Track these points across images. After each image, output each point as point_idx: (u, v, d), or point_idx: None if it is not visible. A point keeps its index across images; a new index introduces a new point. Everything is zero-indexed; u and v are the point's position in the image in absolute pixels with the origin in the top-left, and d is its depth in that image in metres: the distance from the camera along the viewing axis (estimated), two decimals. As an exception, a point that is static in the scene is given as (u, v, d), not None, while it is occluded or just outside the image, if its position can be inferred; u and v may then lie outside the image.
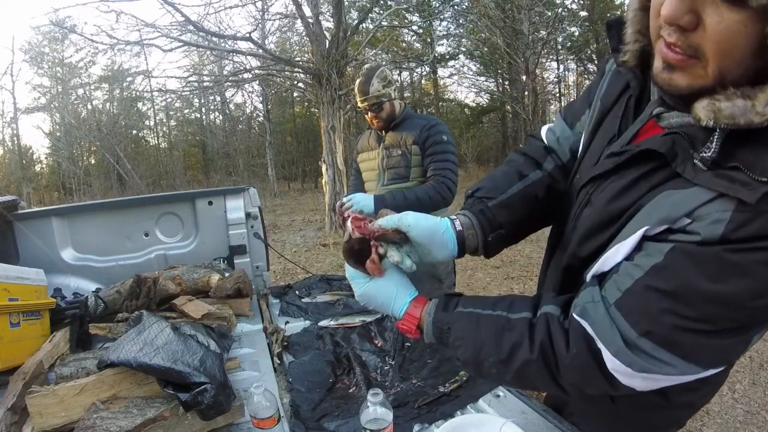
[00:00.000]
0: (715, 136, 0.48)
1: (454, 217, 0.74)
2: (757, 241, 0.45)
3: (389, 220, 0.68)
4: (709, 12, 0.44)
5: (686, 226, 0.50)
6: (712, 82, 0.47)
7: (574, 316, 0.58)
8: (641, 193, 0.56)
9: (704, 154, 0.49)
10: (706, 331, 0.50)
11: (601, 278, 0.59)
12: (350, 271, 0.73)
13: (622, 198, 0.58)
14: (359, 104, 1.95)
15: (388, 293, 0.70)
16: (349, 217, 0.70)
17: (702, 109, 0.48)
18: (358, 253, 0.68)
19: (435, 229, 0.69)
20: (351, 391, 1.08)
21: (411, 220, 0.68)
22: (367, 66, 1.99)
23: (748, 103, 0.45)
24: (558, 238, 0.77)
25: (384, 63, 10.98)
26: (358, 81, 1.95)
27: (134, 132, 19.71)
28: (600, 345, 0.55)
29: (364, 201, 1.71)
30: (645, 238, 0.54)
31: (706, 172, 0.48)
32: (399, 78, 18.70)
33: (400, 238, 0.67)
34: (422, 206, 1.77)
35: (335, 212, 7.64)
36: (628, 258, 0.56)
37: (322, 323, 1.44)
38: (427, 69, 17.47)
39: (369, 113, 1.95)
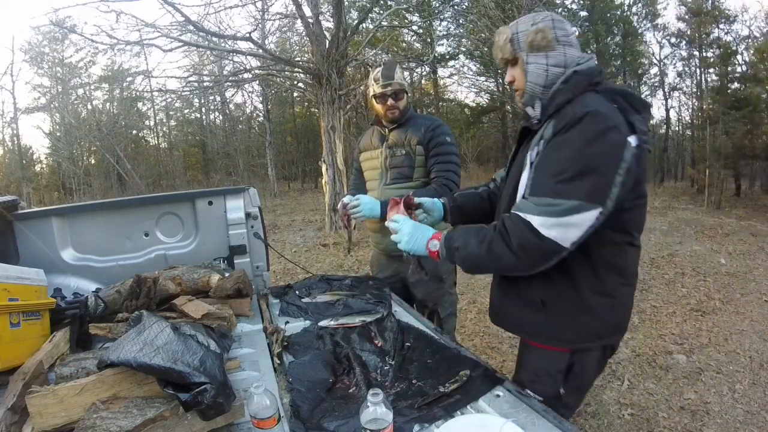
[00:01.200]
0: (537, 117, 1.12)
1: (443, 199, 1.42)
2: (563, 130, 0.97)
3: (417, 199, 1.36)
4: (511, 73, 1.14)
5: (542, 142, 1.03)
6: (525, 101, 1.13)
7: (512, 211, 1.02)
8: (525, 149, 1.13)
9: (538, 114, 1.11)
10: (569, 178, 0.93)
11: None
12: (398, 217, 1.23)
13: (523, 155, 1.12)
14: (378, 90, 1.88)
15: (422, 229, 1.18)
16: (351, 217, 1.59)
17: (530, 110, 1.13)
18: (406, 211, 1.28)
19: (434, 200, 1.40)
20: (351, 391, 1.08)
21: (424, 199, 1.39)
22: (386, 59, 1.99)
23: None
24: (497, 214, 1.26)
25: (384, 63, 10.97)
26: (378, 69, 1.91)
27: (134, 132, 19.70)
28: (526, 216, 0.96)
29: (370, 205, 1.72)
30: (530, 164, 1.05)
31: (541, 125, 1.09)
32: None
33: (419, 206, 1.38)
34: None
35: (335, 212, 7.64)
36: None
37: (322, 323, 1.44)
38: (427, 69, 17.45)
39: (388, 101, 1.89)
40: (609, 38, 14.83)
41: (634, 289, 1.17)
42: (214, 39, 7.78)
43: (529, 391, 1.03)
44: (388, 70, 1.88)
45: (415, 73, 19.01)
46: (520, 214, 0.97)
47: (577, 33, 1.13)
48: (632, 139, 0.94)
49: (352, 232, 1.85)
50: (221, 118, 21.33)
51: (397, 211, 1.25)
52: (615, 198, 0.93)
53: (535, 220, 0.94)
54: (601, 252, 1.03)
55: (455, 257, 1.08)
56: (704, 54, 12.76)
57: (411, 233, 1.16)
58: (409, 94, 1.98)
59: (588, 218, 0.92)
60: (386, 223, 1.25)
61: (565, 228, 0.92)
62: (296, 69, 7.94)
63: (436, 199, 1.39)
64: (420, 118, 1.96)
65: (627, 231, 1.05)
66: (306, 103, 19.96)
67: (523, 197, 1.02)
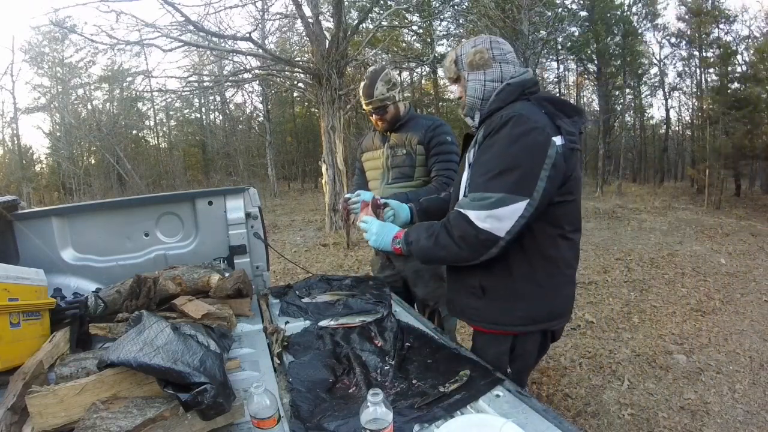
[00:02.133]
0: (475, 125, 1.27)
1: (410, 204, 1.56)
2: (492, 133, 1.10)
3: (386, 201, 1.53)
4: (456, 89, 1.30)
5: (476, 146, 1.16)
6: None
7: (455, 208, 1.15)
8: (466, 154, 1.25)
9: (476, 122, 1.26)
10: (496, 174, 1.06)
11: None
12: (367, 218, 1.36)
13: (463, 163, 1.27)
14: (364, 107, 1.96)
15: (388, 228, 1.32)
16: (351, 212, 1.58)
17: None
18: (374, 213, 1.43)
19: (401, 204, 1.54)
20: (351, 391, 1.08)
21: (392, 202, 1.53)
22: (371, 68, 2.00)
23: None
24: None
25: (385, 63, 10.98)
26: (362, 84, 1.95)
27: (134, 132, 19.71)
28: (464, 211, 1.09)
29: (368, 196, 1.73)
30: (469, 166, 1.19)
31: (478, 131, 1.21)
32: (399, 78, 18.68)
33: (388, 207, 1.50)
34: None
35: (335, 212, 7.64)
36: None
37: (322, 323, 1.44)
38: (427, 69, 17.45)
39: (373, 115, 1.96)
40: (609, 38, 14.82)
41: (572, 279, 1.26)
42: (214, 39, 7.77)
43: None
44: (369, 87, 1.91)
45: (415, 73, 19.03)
46: (460, 210, 1.11)
47: (513, 52, 1.26)
48: (557, 139, 1.06)
49: (350, 227, 1.86)
50: (221, 118, 21.35)
51: (366, 213, 1.41)
52: (542, 191, 1.05)
53: (471, 214, 1.08)
54: (534, 243, 1.14)
55: (411, 250, 1.23)
56: (704, 54, 12.78)
57: (378, 232, 1.31)
58: (401, 100, 1.99)
59: (517, 209, 1.04)
60: (357, 223, 1.40)
61: (497, 220, 1.05)
62: (296, 69, 7.94)
63: (403, 203, 1.55)
64: (421, 119, 1.98)
65: (559, 224, 1.15)
66: (306, 103, 19.97)
67: (464, 195, 1.17)
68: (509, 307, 1.19)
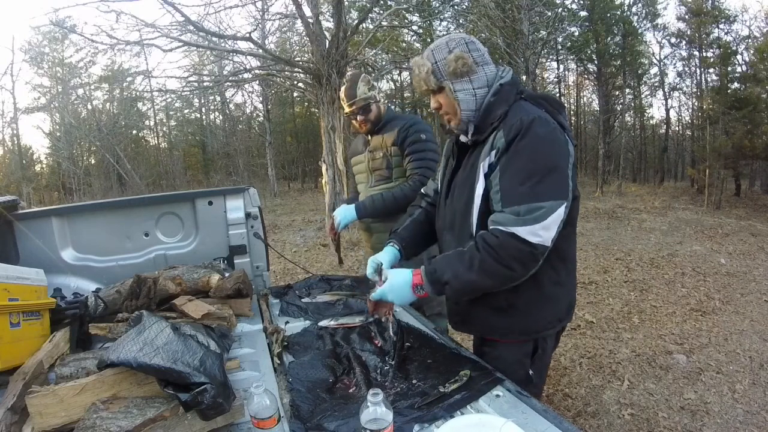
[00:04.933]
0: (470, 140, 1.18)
1: (391, 243, 1.36)
2: (517, 138, 1.02)
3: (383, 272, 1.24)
4: (436, 99, 1.17)
5: (493, 153, 1.07)
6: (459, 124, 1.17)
7: (491, 226, 1.04)
8: (474, 161, 1.13)
9: (469, 136, 1.17)
10: (538, 181, 0.99)
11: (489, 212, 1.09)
12: (374, 294, 1.19)
13: (469, 169, 1.15)
14: (346, 110, 1.97)
15: (398, 279, 1.15)
16: (337, 231, 1.91)
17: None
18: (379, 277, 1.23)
19: (392, 252, 1.35)
20: (351, 391, 1.08)
21: (389, 272, 1.21)
22: (349, 73, 2.04)
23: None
24: (442, 228, 1.28)
25: (385, 63, 10.98)
26: (342, 88, 1.97)
27: (134, 132, 19.69)
28: (510, 229, 0.99)
29: (344, 212, 1.90)
30: (485, 176, 1.09)
31: (483, 137, 1.13)
32: (399, 78, 18.69)
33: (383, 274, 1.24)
34: (398, 204, 1.83)
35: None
36: (486, 190, 1.09)
37: (322, 323, 1.44)
38: (427, 69, 17.38)
39: (357, 117, 1.97)
40: (609, 38, 14.80)
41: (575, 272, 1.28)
42: (214, 39, 7.77)
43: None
44: (350, 89, 1.94)
45: (415, 73, 18.95)
46: (503, 228, 1.01)
47: (487, 51, 1.16)
48: (567, 137, 1.06)
49: (340, 246, 2.07)
50: (221, 118, 21.33)
51: (378, 288, 1.20)
52: (571, 190, 1.04)
53: (522, 231, 0.98)
54: (556, 245, 1.06)
55: (446, 291, 1.08)
56: (704, 54, 12.77)
57: (391, 290, 1.14)
58: (382, 101, 2.02)
59: (560, 214, 1.00)
60: (371, 297, 1.21)
61: (548, 230, 1.00)
62: (296, 69, 7.94)
63: (393, 250, 1.35)
64: (398, 119, 2.00)
65: (572, 222, 1.13)
66: (306, 103, 19.96)
67: (499, 211, 1.04)
68: (538, 315, 1.17)
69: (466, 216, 1.14)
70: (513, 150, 1.03)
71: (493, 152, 1.06)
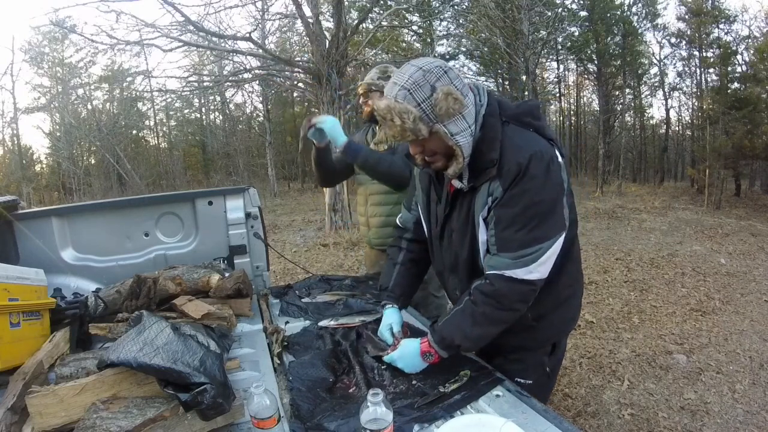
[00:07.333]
0: (466, 179, 1.06)
1: (390, 304, 1.32)
2: (514, 184, 0.97)
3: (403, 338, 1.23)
4: (425, 147, 1.01)
5: (490, 199, 1.02)
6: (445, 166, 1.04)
7: (488, 272, 1.05)
8: (469, 206, 1.07)
9: (466, 183, 1.05)
10: (537, 225, 0.98)
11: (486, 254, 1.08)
12: (388, 358, 1.15)
13: (465, 215, 1.09)
14: (359, 92, 1.97)
15: (407, 350, 1.14)
16: (316, 125, 1.62)
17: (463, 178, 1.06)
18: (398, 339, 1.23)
19: (395, 313, 1.31)
20: (351, 391, 1.08)
21: (401, 342, 1.18)
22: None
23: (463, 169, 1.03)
24: (442, 269, 1.26)
25: (384, 63, 10.95)
26: None
27: (134, 132, 19.67)
28: (507, 272, 1.00)
29: (332, 122, 1.66)
30: (484, 220, 1.04)
31: (479, 183, 1.03)
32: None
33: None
34: (390, 174, 1.70)
35: (335, 212, 7.64)
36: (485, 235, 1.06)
37: (322, 323, 1.44)
38: (427, 69, 17.38)
39: (361, 101, 1.97)
40: (609, 38, 14.79)
41: None
42: (214, 39, 7.77)
43: (519, 379, 1.15)
44: (365, 73, 1.96)
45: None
46: (500, 272, 1.01)
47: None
48: (558, 155, 1.01)
49: (306, 138, 1.71)
50: (221, 118, 21.33)
51: (392, 350, 1.19)
52: (567, 216, 1.03)
53: (519, 273, 1.00)
54: (562, 248, 1.06)
55: (462, 350, 1.12)
56: (704, 54, 12.76)
57: (401, 358, 1.13)
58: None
59: (557, 247, 1.01)
60: (384, 359, 1.19)
61: (545, 264, 1.01)
62: (296, 69, 7.94)
63: (394, 312, 1.32)
64: None
65: (574, 225, 1.12)
66: (306, 103, 19.92)
67: (494, 254, 1.03)
68: (556, 320, 1.20)
69: (471, 260, 1.12)
70: (509, 196, 0.98)
71: (490, 198, 1.02)
